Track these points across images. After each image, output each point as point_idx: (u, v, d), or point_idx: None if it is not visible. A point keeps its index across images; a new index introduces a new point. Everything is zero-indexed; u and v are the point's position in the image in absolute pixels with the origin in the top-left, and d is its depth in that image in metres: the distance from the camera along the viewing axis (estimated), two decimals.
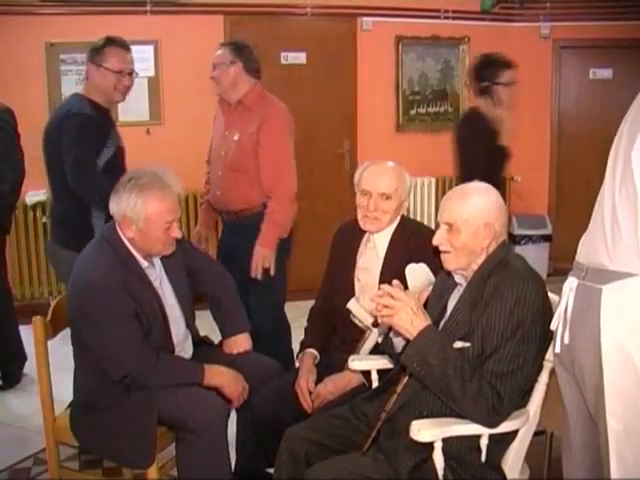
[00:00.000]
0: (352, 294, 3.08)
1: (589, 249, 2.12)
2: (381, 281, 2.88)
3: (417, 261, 2.81)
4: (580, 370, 2.11)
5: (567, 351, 2.15)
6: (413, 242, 2.98)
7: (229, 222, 4.04)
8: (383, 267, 3.04)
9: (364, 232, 3.14)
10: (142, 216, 2.74)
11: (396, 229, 3.09)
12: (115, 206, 2.77)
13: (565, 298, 2.14)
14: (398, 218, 3.11)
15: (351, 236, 3.18)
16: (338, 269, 3.21)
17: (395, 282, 2.39)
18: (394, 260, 2.99)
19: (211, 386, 2.80)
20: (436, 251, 2.51)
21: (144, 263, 2.84)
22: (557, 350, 2.19)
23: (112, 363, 2.71)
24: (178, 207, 2.85)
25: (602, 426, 2.05)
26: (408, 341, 2.32)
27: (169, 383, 2.73)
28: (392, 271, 2.83)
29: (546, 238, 7.01)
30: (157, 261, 2.92)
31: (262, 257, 3.76)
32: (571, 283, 2.13)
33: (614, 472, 2.02)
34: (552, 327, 2.20)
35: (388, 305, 2.31)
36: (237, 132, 3.87)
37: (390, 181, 3.04)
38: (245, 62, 3.88)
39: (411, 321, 2.30)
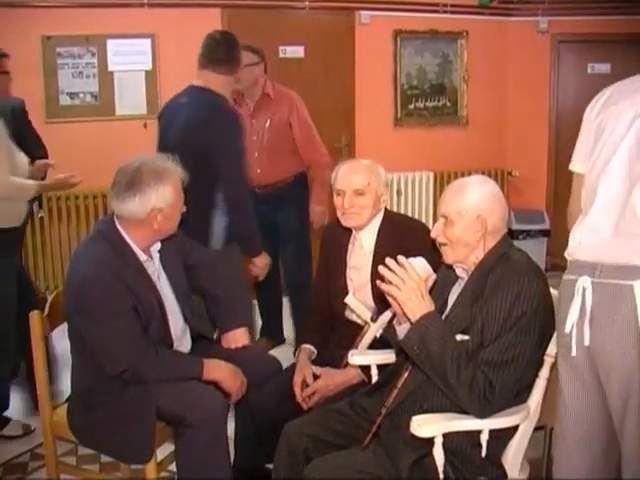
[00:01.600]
0: (346, 294, 3.09)
1: (597, 246, 2.10)
2: (373, 279, 2.88)
3: (413, 255, 2.81)
4: (606, 371, 2.08)
5: (585, 355, 2.12)
6: (407, 240, 2.95)
7: (263, 194, 4.58)
8: (373, 265, 3.02)
9: (351, 231, 3.14)
10: (170, 202, 2.74)
11: (381, 225, 3.10)
12: (138, 206, 2.69)
13: (579, 298, 2.11)
14: (381, 213, 3.11)
15: (339, 236, 3.19)
16: (330, 270, 3.22)
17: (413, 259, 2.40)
18: (383, 256, 2.97)
19: (210, 380, 2.78)
20: (435, 244, 2.52)
21: (143, 256, 2.82)
22: (573, 353, 2.15)
23: (110, 358, 2.68)
24: None
25: (632, 425, 2.03)
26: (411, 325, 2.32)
27: (168, 378, 2.71)
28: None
29: (544, 233, 7.00)
30: (156, 255, 2.90)
31: (319, 213, 4.76)
32: (584, 282, 2.10)
33: None
34: (566, 330, 2.16)
35: (400, 276, 2.30)
36: (266, 119, 4.62)
37: (362, 177, 3.05)
38: (265, 63, 4.63)
39: (418, 303, 2.30)
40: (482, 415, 2.27)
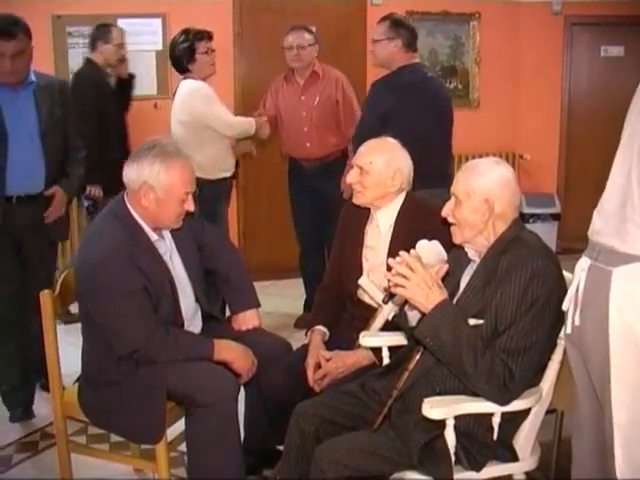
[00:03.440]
0: (360, 274, 3.06)
1: (600, 228, 2.09)
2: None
3: (430, 239, 2.79)
4: (588, 354, 2.10)
5: (577, 333, 2.13)
6: (426, 224, 2.92)
7: (310, 167, 5.02)
8: (390, 246, 3.01)
9: (369, 210, 3.12)
10: (164, 185, 2.70)
11: (402, 207, 3.06)
12: (134, 173, 2.71)
13: (577, 278, 2.12)
14: (402, 195, 3.07)
15: (357, 214, 3.15)
16: (346, 248, 3.19)
17: (414, 252, 2.37)
18: (401, 239, 2.97)
19: (220, 361, 2.78)
20: (447, 224, 2.50)
21: (153, 236, 2.81)
22: (568, 331, 2.17)
23: (120, 339, 2.68)
24: (194, 181, 2.84)
25: (607, 413, 2.03)
26: (423, 315, 2.31)
27: (178, 358, 2.71)
28: (399, 250, 2.81)
29: (555, 217, 6.99)
30: (167, 234, 2.89)
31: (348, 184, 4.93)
32: (584, 263, 2.10)
33: (620, 463, 2.00)
34: (564, 307, 2.18)
35: (404, 274, 2.29)
36: (315, 96, 4.93)
37: (367, 155, 3.02)
38: (319, 43, 4.95)
39: (426, 295, 2.28)
40: (503, 403, 2.27)
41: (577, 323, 2.11)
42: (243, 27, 6.13)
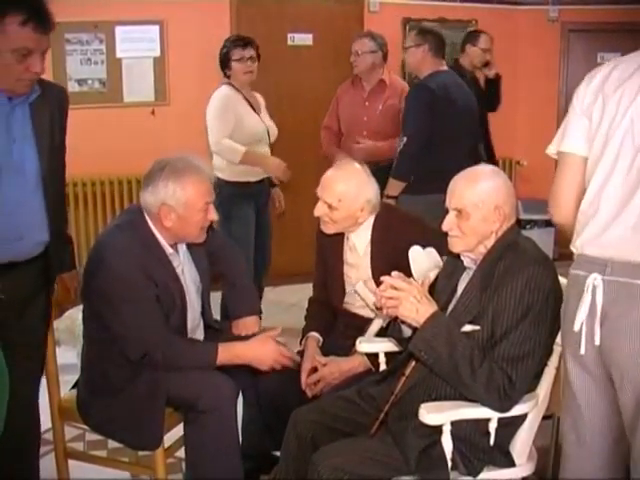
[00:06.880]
0: (343, 289, 3.09)
1: (608, 243, 2.05)
2: (374, 275, 2.91)
3: (412, 247, 2.80)
4: (619, 373, 2.03)
5: (596, 353, 2.07)
6: (403, 236, 2.90)
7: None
8: (372, 263, 3.02)
9: None
10: (182, 202, 2.68)
11: (374, 224, 3.04)
12: (151, 197, 2.69)
13: (589, 296, 2.05)
14: (372, 217, 3.03)
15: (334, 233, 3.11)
16: (327, 265, 3.20)
17: (395, 273, 2.38)
18: (381, 254, 2.99)
19: (245, 363, 2.77)
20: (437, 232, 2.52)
21: (168, 249, 2.79)
22: (582, 351, 2.09)
23: (129, 341, 2.66)
24: (212, 189, 2.81)
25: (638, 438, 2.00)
26: (415, 329, 2.32)
27: (186, 364, 2.70)
28: (382, 268, 2.75)
29: (552, 223, 6.96)
30: (182, 247, 2.89)
31: None
32: (594, 280, 2.04)
33: None
34: (575, 328, 2.09)
35: (392, 297, 2.30)
36: (380, 104, 5.02)
37: (336, 192, 2.93)
38: (385, 52, 5.04)
39: (416, 310, 2.29)
40: (502, 410, 2.27)
41: (597, 343, 2.04)
42: (241, 34, 6.14)
